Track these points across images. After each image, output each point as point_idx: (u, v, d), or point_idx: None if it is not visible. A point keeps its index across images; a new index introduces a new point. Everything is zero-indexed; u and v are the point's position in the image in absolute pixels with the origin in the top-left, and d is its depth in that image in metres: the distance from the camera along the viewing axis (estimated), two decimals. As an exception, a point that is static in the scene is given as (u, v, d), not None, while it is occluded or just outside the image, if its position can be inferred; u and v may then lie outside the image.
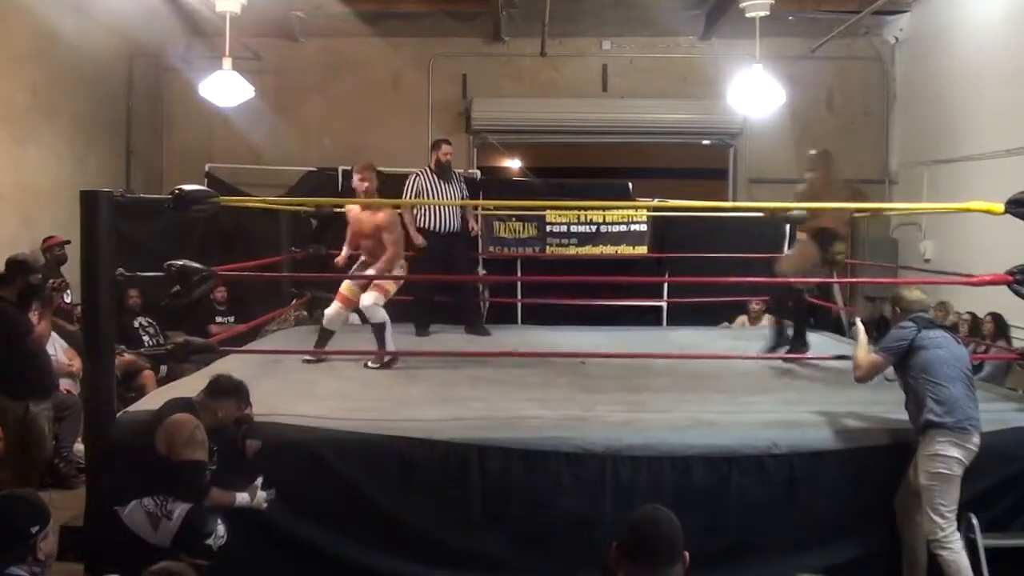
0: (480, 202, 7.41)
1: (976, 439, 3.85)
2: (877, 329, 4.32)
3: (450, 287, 7.55)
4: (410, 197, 7.26)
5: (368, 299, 5.74)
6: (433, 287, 7.26)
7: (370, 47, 10.49)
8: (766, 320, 8.26)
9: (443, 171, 7.32)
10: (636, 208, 8.66)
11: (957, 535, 3.85)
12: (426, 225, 7.24)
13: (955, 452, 3.82)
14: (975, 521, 3.92)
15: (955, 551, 3.82)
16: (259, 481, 3.94)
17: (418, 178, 7.34)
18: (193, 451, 3.74)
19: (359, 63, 10.60)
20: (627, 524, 2.29)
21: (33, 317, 5.43)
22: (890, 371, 4.15)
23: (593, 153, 12.01)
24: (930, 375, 3.93)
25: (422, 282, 7.09)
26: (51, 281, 5.42)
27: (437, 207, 7.24)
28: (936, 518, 3.82)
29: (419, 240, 7.19)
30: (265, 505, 3.93)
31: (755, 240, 8.74)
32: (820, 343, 6.74)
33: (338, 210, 7.91)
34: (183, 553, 3.59)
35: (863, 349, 4.23)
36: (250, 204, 6.77)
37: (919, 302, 4.21)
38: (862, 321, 4.45)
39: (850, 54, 10.45)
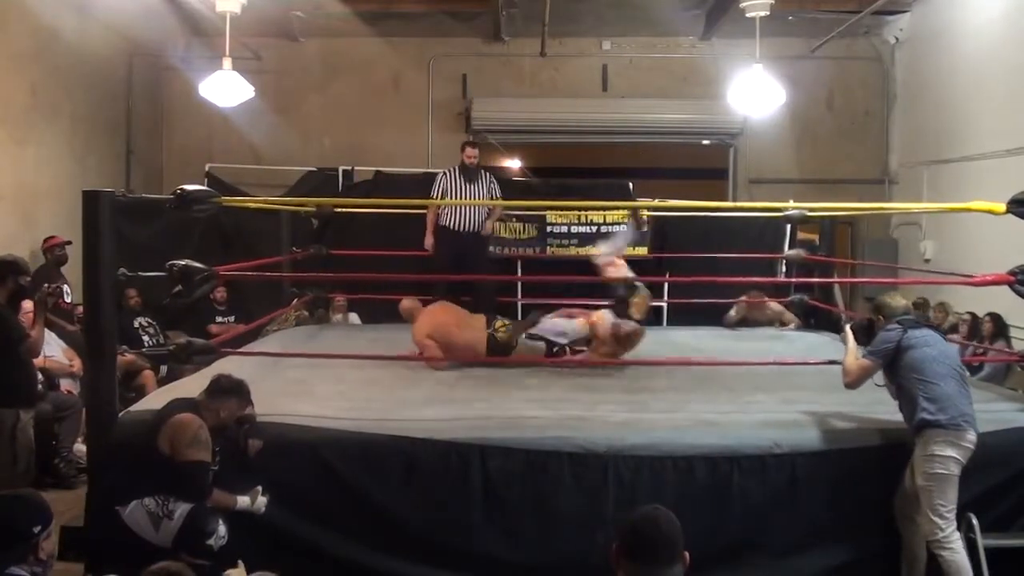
0: (480, 202, 7.39)
1: (972, 436, 3.83)
2: (866, 334, 4.29)
3: (468, 286, 7.55)
4: (436, 196, 7.27)
5: None
6: (450, 285, 7.26)
7: (370, 47, 10.50)
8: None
9: (468, 172, 7.34)
10: (636, 208, 8.64)
11: (957, 535, 3.84)
12: (446, 223, 7.26)
13: (951, 451, 3.80)
14: (975, 521, 3.92)
15: (955, 551, 3.81)
16: (259, 487, 3.94)
17: (444, 177, 7.35)
18: (197, 451, 3.75)
19: (359, 63, 10.62)
20: (627, 524, 2.28)
21: (25, 319, 5.41)
22: (879, 376, 4.13)
23: (593, 153, 12.02)
24: (920, 374, 3.92)
25: (439, 281, 7.10)
26: (46, 286, 5.37)
27: (458, 207, 7.25)
28: (935, 519, 3.81)
29: (429, 242, 7.25)
30: (264, 509, 3.93)
31: (755, 240, 8.75)
32: (822, 344, 6.74)
33: (338, 210, 7.93)
34: (184, 553, 3.60)
35: (852, 355, 4.21)
36: (250, 204, 6.77)
37: (902, 307, 4.20)
38: (851, 327, 4.43)
39: (850, 54, 10.47)
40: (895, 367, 4.02)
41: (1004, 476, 4.11)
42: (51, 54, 8.16)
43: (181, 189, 4.58)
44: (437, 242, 7.32)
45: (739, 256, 8.14)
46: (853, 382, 4.16)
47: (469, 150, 7.40)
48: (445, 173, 7.40)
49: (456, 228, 7.29)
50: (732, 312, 7.85)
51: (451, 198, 7.28)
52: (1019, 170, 7.35)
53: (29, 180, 7.90)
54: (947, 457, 3.80)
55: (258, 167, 10.05)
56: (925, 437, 3.85)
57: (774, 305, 7.87)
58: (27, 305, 5.50)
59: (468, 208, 7.29)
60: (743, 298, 7.82)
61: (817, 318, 7.80)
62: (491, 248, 8.77)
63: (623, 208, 8.64)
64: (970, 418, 3.86)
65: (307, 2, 9.30)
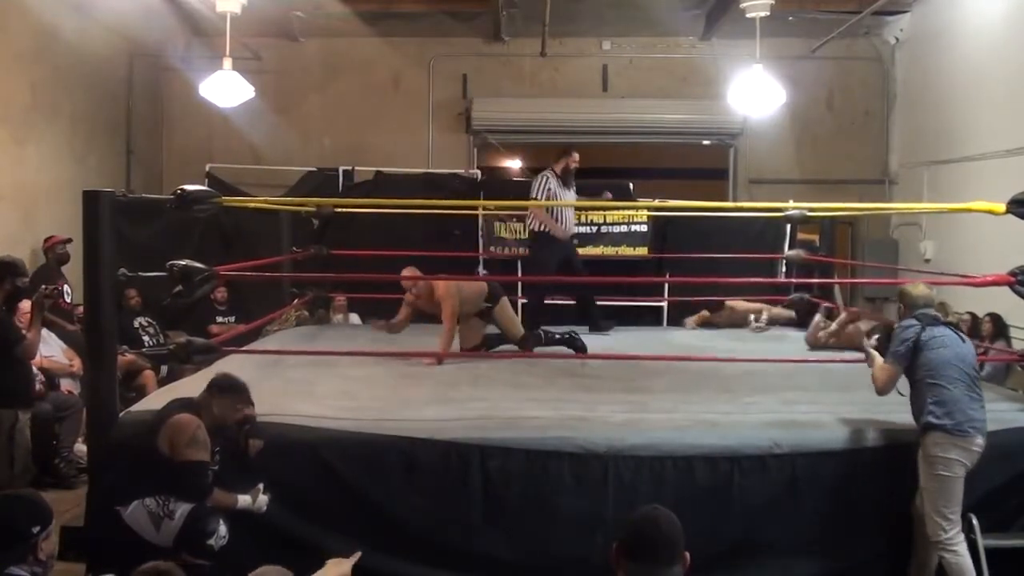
0: (480, 202, 7.41)
1: (980, 440, 3.81)
2: (888, 341, 4.26)
3: (571, 288, 7.60)
4: (543, 197, 7.27)
5: None
6: (551, 288, 7.33)
7: (370, 47, 10.49)
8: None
9: (568, 177, 7.35)
10: (636, 208, 8.65)
11: (961, 537, 3.83)
12: (550, 228, 7.32)
13: (955, 454, 3.79)
14: (975, 522, 3.92)
15: (959, 554, 3.80)
16: (261, 485, 3.94)
17: (548, 180, 7.35)
18: (196, 451, 3.75)
19: (359, 63, 10.61)
20: (627, 524, 2.29)
21: (22, 320, 5.41)
22: (903, 387, 4.07)
23: (593, 153, 11.98)
24: (931, 376, 3.89)
25: (541, 283, 7.20)
26: (43, 287, 5.37)
27: (562, 211, 7.30)
28: (939, 520, 3.80)
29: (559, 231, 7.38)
30: (264, 508, 3.93)
31: (755, 240, 8.75)
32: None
33: (338, 210, 7.93)
34: (185, 553, 3.60)
35: (878, 362, 4.15)
36: (250, 204, 6.77)
37: (924, 296, 4.16)
38: (874, 343, 4.41)
39: (850, 54, 10.46)
40: (912, 365, 3.98)
41: (1005, 476, 4.11)
42: (51, 54, 8.15)
43: (181, 189, 4.59)
44: (541, 247, 7.37)
45: (739, 256, 8.14)
46: (882, 388, 4.07)
47: (576, 155, 7.43)
48: (547, 177, 7.39)
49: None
50: (692, 319, 7.89)
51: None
52: (1019, 170, 7.34)
53: (29, 180, 7.89)
54: (950, 460, 3.79)
55: (258, 167, 10.04)
56: (928, 440, 3.84)
57: (739, 305, 7.85)
58: (24, 306, 5.50)
59: (568, 212, 7.38)
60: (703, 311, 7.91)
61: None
62: (490, 247, 8.80)
63: (623, 208, 8.66)
64: (978, 423, 3.83)
65: (307, 2, 9.29)
